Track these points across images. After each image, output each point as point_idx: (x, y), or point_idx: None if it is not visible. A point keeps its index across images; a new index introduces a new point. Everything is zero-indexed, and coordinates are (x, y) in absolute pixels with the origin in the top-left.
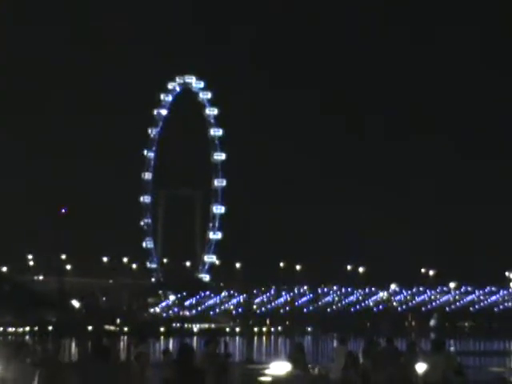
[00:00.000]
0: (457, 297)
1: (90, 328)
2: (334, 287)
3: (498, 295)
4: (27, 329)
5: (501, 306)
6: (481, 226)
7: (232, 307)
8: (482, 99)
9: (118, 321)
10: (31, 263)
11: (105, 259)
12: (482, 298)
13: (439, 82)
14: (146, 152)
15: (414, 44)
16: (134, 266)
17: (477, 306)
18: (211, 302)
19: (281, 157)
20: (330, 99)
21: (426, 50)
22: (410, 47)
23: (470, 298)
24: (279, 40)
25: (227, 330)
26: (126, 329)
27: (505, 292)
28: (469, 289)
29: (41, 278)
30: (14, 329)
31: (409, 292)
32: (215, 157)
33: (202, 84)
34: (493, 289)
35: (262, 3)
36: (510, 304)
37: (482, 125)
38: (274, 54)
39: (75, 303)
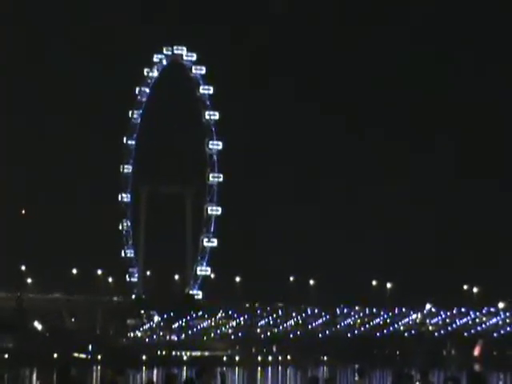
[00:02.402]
0: (507, 320)
1: (55, 356)
2: (356, 307)
3: None
4: None
5: None
6: None
7: (230, 331)
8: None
9: (90, 347)
10: None
11: (74, 271)
12: None
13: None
14: (125, 140)
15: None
16: (111, 279)
17: None
18: (205, 324)
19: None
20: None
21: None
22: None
23: None
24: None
25: (224, 358)
26: (99, 357)
27: None
28: None
29: None
30: None
31: (448, 313)
32: (210, 146)
33: (194, 57)
34: None
35: None
36: None
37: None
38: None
39: (37, 325)
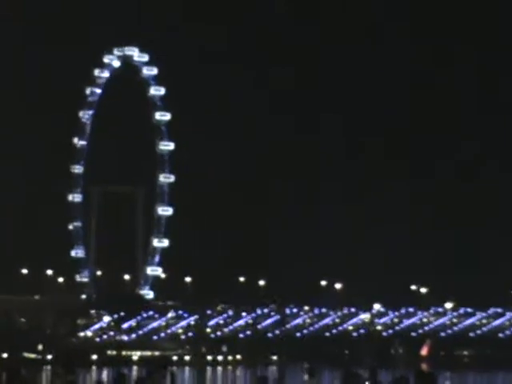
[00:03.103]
0: (454, 320)
1: (4, 355)
2: (305, 307)
3: (503, 318)
4: None
5: (507, 332)
6: (482, 240)
7: (181, 331)
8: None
9: (41, 347)
10: None
11: (24, 271)
12: (484, 321)
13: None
14: (75, 140)
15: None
16: (61, 279)
17: (478, 331)
18: (155, 324)
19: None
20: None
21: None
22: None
23: (469, 321)
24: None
25: (174, 358)
26: (49, 357)
27: (510, 315)
28: (468, 310)
29: None
30: None
31: (396, 313)
32: (161, 147)
33: (146, 58)
34: (497, 310)
35: None
36: None
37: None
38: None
39: None
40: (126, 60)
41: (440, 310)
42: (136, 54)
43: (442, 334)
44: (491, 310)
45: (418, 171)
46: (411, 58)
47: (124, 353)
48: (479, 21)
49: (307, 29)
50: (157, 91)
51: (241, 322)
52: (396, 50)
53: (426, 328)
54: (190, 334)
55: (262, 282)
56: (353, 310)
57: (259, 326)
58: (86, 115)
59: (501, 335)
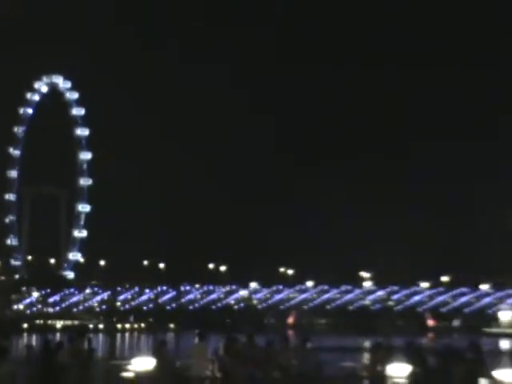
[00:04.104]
0: (314, 295)
1: None
2: (196, 285)
3: (352, 294)
4: None
5: (355, 304)
6: (328, 227)
7: (96, 304)
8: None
9: None
10: None
11: None
12: (337, 295)
13: None
14: (11, 150)
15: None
16: None
17: (333, 304)
18: (75, 299)
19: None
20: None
21: None
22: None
23: (326, 296)
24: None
25: (90, 326)
26: None
27: (358, 291)
28: (325, 287)
29: None
30: None
31: (268, 290)
32: (81, 156)
33: (69, 84)
34: (348, 288)
35: None
36: (363, 302)
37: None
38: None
39: None
40: (53, 86)
41: (303, 287)
42: (61, 82)
43: (305, 307)
44: (343, 287)
45: None
46: None
47: (49, 322)
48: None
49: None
50: (78, 112)
51: (145, 297)
52: None
53: (292, 302)
54: (104, 306)
55: (161, 265)
56: (234, 287)
57: (160, 301)
58: (19, 130)
59: (350, 307)
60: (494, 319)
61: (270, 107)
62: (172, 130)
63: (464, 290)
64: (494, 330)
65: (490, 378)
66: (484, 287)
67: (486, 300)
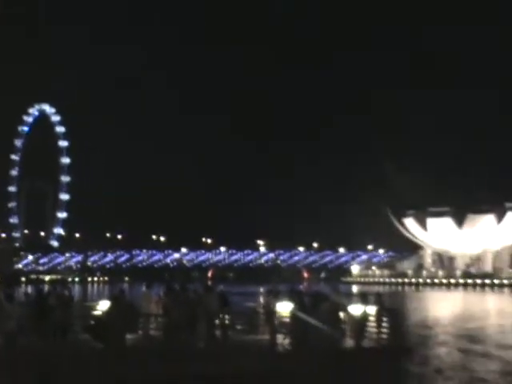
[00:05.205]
0: (226, 257)
1: None
2: (144, 250)
3: (251, 255)
4: None
5: (255, 263)
6: (238, 211)
7: (73, 264)
8: None
9: None
10: None
11: None
12: (241, 257)
13: None
14: (13, 156)
15: None
16: (4, 235)
17: (239, 263)
18: (58, 260)
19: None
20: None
21: None
22: None
23: (234, 257)
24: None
25: (69, 279)
26: None
27: (256, 253)
28: (233, 251)
29: None
30: None
31: (194, 253)
32: (62, 160)
33: (54, 110)
34: (248, 251)
35: None
36: (259, 261)
37: None
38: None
39: None
40: (41, 111)
41: (218, 251)
42: (48, 108)
43: (219, 264)
44: (245, 251)
45: None
46: None
47: (40, 277)
48: None
49: None
50: (60, 129)
51: (107, 259)
52: None
53: (211, 261)
54: (78, 265)
55: (119, 236)
56: (170, 251)
57: (118, 261)
58: (18, 142)
59: (250, 265)
60: (347, 272)
61: None
62: None
63: (328, 252)
64: (348, 279)
65: (346, 311)
66: (341, 250)
67: (343, 259)
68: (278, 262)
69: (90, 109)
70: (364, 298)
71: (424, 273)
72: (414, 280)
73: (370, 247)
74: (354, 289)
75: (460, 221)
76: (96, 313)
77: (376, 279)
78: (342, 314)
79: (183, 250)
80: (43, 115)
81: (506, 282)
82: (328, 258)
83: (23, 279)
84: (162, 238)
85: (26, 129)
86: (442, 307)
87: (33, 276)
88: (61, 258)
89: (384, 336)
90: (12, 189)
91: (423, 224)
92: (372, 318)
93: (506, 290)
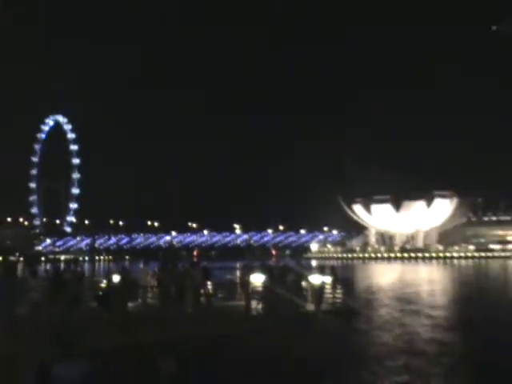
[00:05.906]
0: (208, 239)
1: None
2: (141, 234)
3: (229, 237)
4: None
5: (231, 243)
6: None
7: (83, 246)
8: None
9: (18, 254)
10: None
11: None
12: (221, 239)
13: None
14: (33, 158)
15: None
16: (26, 222)
17: (219, 243)
18: (71, 243)
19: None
20: None
21: None
22: None
23: (215, 239)
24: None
25: (81, 259)
26: (21, 259)
27: (233, 235)
28: (214, 234)
29: None
30: None
31: (182, 236)
32: (73, 161)
33: (66, 119)
34: (227, 234)
35: None
36: (236, 242)
37: None
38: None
39: None
40: (56, 121)
41: (202, 234)
42: (61, 118)
43: (203, 245)
44: (224, 233)
45: None
46: None
47: (57, 256)
48: None
49: None
50: (71, 136)
51: (111, 241)
52: None
53: (196, 243)
54: (88, 247)
55: (120, 222)
56: (162, 234)
57: (120, 243)
58: (37, 147)
59: (229, 245)
60: (308, 249)
61: None
62: None
63: (291, 233)
64: (309, 255)
65: (307, 281)
66: (302, 231)
67: (304, 239)
68: (251, 242)
69: (91, 110)
70: (321, 270)
71: (369, 249)
72: (361, 255)
73: (325, 229)
74: (314, 263)
75: (397, 206)
76: (103, 285)
77: (331, 255)
78: (304, 284)
79: (173, 233)
80: (57, 124)
81: (434, 255)
82: (292, 239)
83: (43, 259)
84: (155, 224)
85: (43, 136)
86: (384, 276)
87: (51, 256)
88: (73, 241)
89: (338, 300)
90: (32, 185)
91: (368, 209)
92: (328, 287)
93: (434, 262)
